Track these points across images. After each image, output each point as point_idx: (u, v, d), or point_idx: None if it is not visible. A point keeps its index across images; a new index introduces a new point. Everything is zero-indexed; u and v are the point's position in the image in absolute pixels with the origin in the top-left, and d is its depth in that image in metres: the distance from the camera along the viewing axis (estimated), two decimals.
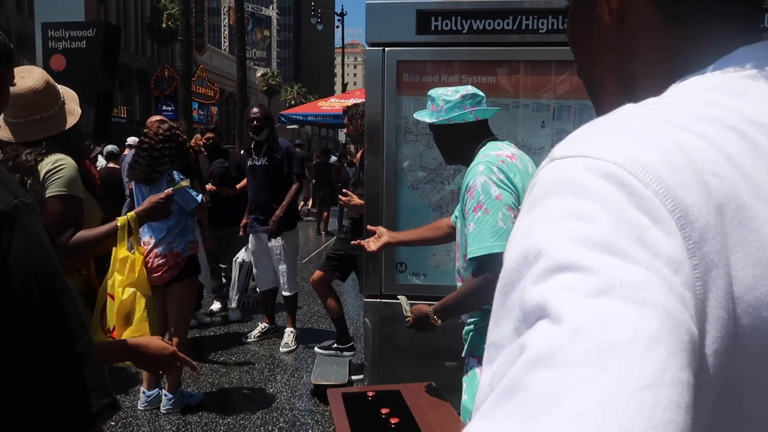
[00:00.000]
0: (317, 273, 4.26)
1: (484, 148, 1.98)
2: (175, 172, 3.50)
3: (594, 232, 0.39)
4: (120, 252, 2.12)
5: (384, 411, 1.96)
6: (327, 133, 22.27)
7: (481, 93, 2.02)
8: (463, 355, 2.05)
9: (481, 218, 1.81)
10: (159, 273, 3.45)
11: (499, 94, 2.92)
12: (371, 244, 2.38)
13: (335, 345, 4.39)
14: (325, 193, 10.94)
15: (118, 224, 2.06)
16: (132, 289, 2.16)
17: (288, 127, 16.36)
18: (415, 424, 1.88)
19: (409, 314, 2.07)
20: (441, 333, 2.35)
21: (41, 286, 0.64)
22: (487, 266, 1.80)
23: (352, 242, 2.37)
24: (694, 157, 0.42)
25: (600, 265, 0.37)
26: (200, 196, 3.61)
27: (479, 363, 1.93)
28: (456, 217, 2.26)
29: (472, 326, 1.99)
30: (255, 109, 4.70)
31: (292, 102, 50.49)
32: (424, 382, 2.26)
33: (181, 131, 3.72)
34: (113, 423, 3.45)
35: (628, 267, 0.37)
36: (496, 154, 1.91)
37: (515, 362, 0.38)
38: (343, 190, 4.12)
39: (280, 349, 4.75)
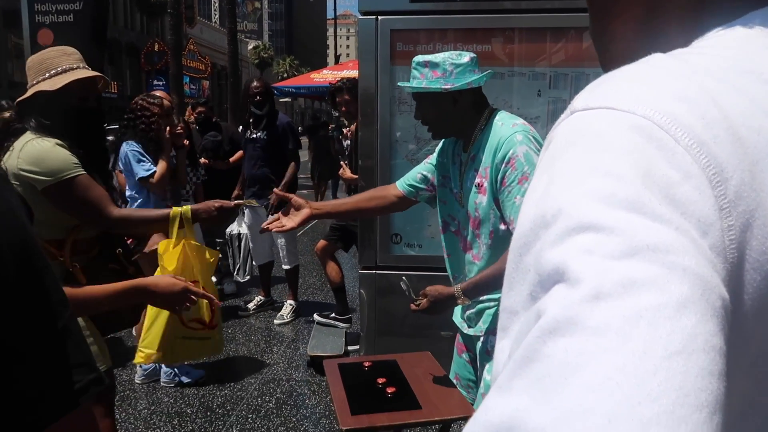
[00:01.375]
0: (321, 242, 4.30)
1: (499, 116, 1.88)
2: (130, 143, 3.57)
3: (619, 189, 0.36)
4: (160, 246, 2.00)
5: (380, 381, 1.97)
6: (320, 106, 22.05)
7: None
8: (475, 332, 1.98)
9: None
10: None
11: (494, 62, 2.88)
12: (287, 222, 2.07)
13: (333, 315, 4.41)
14: (323, 167, 10.87)
15: (170, 214, 1.95)
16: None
17: (281, 100, 16.21)
18: (411, 393, 1.89)
19: (413, 296, 1.97)
20: None
21: (17, 259, 0.61)
22: None
23: (262, 226, 2.07)
24: (729, 110, 0.39)
25: (625, 225, 0.35)
26: (152, 170, 3.59)
27: None
28: (417, 181, 2.13)
29: (493, 303, 1.92)
30: (256, 83, 4.64)
31: (285, 75, 49.93)
32: (420, 352, 2.27)
33: (149, 103, 3.66)
34: None
35: (656, 227, 0.35)
36: (521, 122, 1.85)
37: (531, 329, 0.35)
38: (341, 163, 4.11)
39: (275, 321, 4.78)
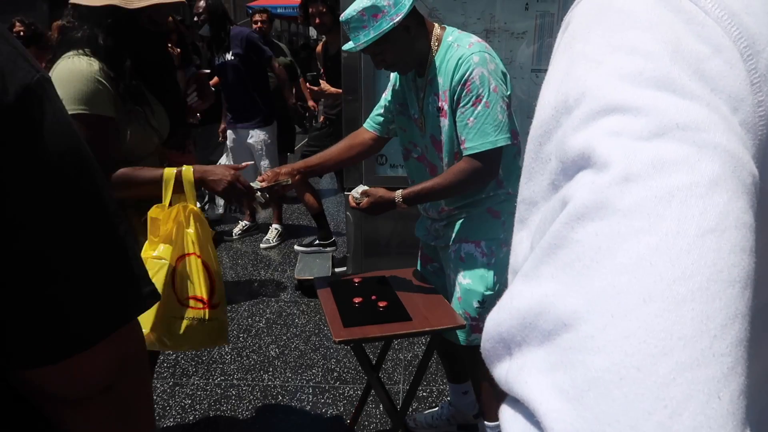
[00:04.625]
0: None
1: (452, 36, 1.85)
2: None
3: (646, 66, 0.34)
4: (152, 211, 1.70)
5: (372, 297, 2.02)
6: (297, 29, 21.26)
7: None
8: (446, 243, 2.04)
9: (482, 112, 1.75)
10: None
11: None
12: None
13: (317, 241, 4.44)
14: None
15: (164, 175, 1.69)
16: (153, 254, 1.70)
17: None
18: (402, 306, 1.95)
19: (359, 197, 1.98)
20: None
21: (77, 166, 0.58)
22: (486, 160, 1.79)
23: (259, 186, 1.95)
24: None
25: (653, 103, 0.33)
26: None
27: (477, 246, 1.95)
28: (382, 116, 2.10)
29: (461, 213, 1.99)
30: (200, 3, 4.27)
31: None
32: (408, 268, 2.31)
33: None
34: None
35: (686, 104, 0.33)
36: (476, 40, 1.82)
37: (556, 218, 0.35)
38: (317, 81, 4.00)
39: (261, 245, 4.82)
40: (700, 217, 0.30)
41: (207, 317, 1.69)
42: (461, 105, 1.79)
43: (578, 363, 0.30)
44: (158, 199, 1.72)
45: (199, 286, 1.69)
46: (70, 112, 1.56)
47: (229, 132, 4.72)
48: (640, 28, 0.36)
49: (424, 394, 2.77)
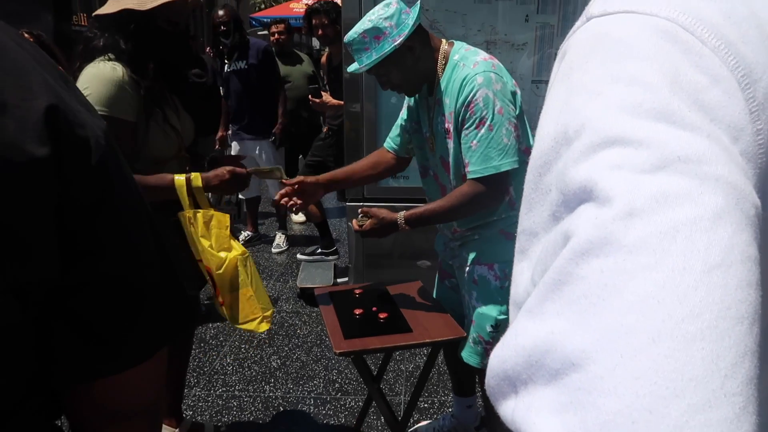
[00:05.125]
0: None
1: (458, 54, 1.80)
2: None
3: (646, 98, 0.34)
4: (201, 215, 1.83)
5: (372, 308, 2.02)
6: (300, 39, 21.34)
7: None
8: (461, 264, 2.01)
9: (485, 135, 1.70)
10: None
11: None
12: (303, 199, 2.07)
13: (319, 250, 4.47)
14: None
15: (174, 182, 1.77)
16: (225, 254, 1.88)
17: (259, 33, 15.69)
18: (402, 317, 1.95)
19: (360, 220, 1.98)
20: (423, 234, 2.39)
21: (143, 199, 0.65)
22: (489, 184, 1.74)
23: (274, 198, 2.08)
24: (757, 6, 0.37)
25: (654, 136, 0.33)
26: None
27: (490, 269, 1.91)
28: (399, 136, 2.09)
29: (474, 234, 1.95)
30: (221, 12, 4.43)
31: (262, 5, 47.84)
32: (410, 282, 2.32)
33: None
34: None
35: (687, 136, 0.33)
36: (482, 59, 1.76)
37: (558, 252, 0.34)
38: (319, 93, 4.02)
39: (272, 249, 4.90)
40: (706, 252, 0.30)
41: None
42: (465, 127, 1.74)
43: (589, 405, 0.29)
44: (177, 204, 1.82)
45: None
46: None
47: (234, 143, 4.76)
48: (638, 59, 0.36)
49: (426, 405, 2.77)
